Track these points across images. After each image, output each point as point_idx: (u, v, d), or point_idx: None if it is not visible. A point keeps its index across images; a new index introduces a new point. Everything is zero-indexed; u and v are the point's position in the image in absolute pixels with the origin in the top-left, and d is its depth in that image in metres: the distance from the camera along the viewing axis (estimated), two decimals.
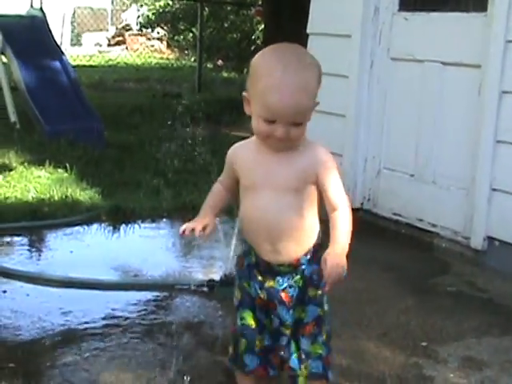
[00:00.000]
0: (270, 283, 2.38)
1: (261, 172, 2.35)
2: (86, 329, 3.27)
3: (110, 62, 17.27)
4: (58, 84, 7.66)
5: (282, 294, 2.38)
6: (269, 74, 2.21)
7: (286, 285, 2.37)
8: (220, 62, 16.82)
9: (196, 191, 5.30)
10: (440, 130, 4.60)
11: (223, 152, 6.86)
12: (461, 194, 4.43)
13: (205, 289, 3.72)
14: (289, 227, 2.34)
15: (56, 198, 5.17)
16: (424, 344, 3.25)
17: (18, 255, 4.21)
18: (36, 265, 4.09)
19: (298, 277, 2.37)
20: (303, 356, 2.40)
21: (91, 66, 15.42)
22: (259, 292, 2.40)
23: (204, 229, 2.42)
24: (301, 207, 2.35)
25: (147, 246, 4.56)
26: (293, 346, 2.43)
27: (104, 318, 3.38)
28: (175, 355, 3.03)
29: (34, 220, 4.69)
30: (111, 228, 4.75)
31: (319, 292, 2.39)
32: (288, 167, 2.32)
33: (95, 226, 4.76)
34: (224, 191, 2.51)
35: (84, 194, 5.28)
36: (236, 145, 2.50)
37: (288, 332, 2.40)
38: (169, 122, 7.80)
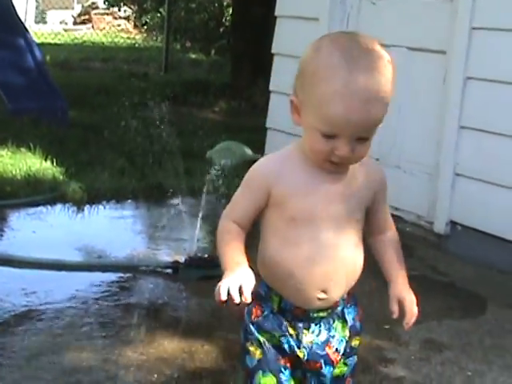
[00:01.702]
0: (307, 338, 1.89)
1: (319, 200, 1.83)
2: (48, 309, 3.25)
3: (76, 41, 17.05)
4: (22, 62, 7.52)
5: (328, 351, 1.91)
6: (330, 76, 1.69)
7: (326, 335, 1.90)
8: (188, 43, 16.69)
9: (161, 172, 5.26)
10: (405, 115, 4.61)
11: (188, 133, 6.81)
12: (425, 178, 4.46)
13: (169, 270, 3.71)
14: (351, 268, 1.91)
15: (19, 177, 5.09)
16: (386, 327, 3.26)
17: None
18: None
19: (338, 323, 1.93)
20: None
21: (56, 45, 15.20)
22: (297, 350, 1.89)
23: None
24: (359, 240, 1.92)
25: (112, 227, 4.54)
26: None
27: (67, 299, 3.36)
28: (138, 337, 3.03)
29: None
30: (75, 208, 4.70)
31: (359, 340, 2.00)
32: (349, 193, 1.85)
33: (59, 206, 4.71)
34: (243, 234, 1.88)
35: (48, 174, 5.20)
36: (268, 159, 1.91)
37: None
38: (135, 103, 7.76)
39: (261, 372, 1.89)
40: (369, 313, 3.42)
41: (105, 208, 4.80)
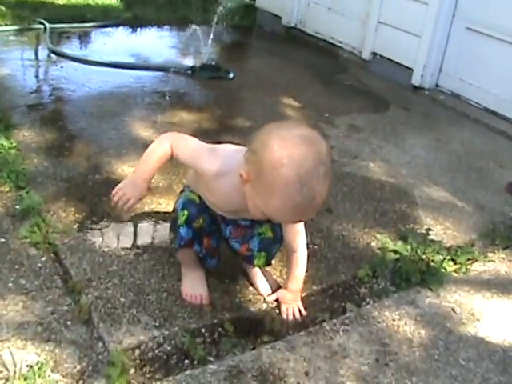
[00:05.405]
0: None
1: (229, 212, 1.51)
2: (117, 89, 3.03)
3: None
4: None
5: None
6: (286, 197, 1.18)
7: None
8: None
9: (188, 9, 4.79)
10: None
11: None
12: (359, 23, 4.05)
13: (189, 72, 3.43)
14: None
15: (96, 8, 4.62)
16: (326, 115, 3.10)
17: (71, 44, 3.79)
18: (81, 51, 3.68)
19: None
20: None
21: None
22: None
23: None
24: None
25: (154, 43, 4.13)
26: (255, 229, 1.54)
27: (126, 86, 3.13)
28: (167, 107, 2.84)
29: (83, 22, 4.17)
30: (131, 30, 4.26)
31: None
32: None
33: (121, 27, 4.26)
34: (168, 158, 1.44)
35: (115, 7, 4.72)
36: (217, 163, 1.38)
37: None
38: None
39: (187, 191, 1.55)
40: (316, 105, 3.24)
41: (150, 30, 4.35)
